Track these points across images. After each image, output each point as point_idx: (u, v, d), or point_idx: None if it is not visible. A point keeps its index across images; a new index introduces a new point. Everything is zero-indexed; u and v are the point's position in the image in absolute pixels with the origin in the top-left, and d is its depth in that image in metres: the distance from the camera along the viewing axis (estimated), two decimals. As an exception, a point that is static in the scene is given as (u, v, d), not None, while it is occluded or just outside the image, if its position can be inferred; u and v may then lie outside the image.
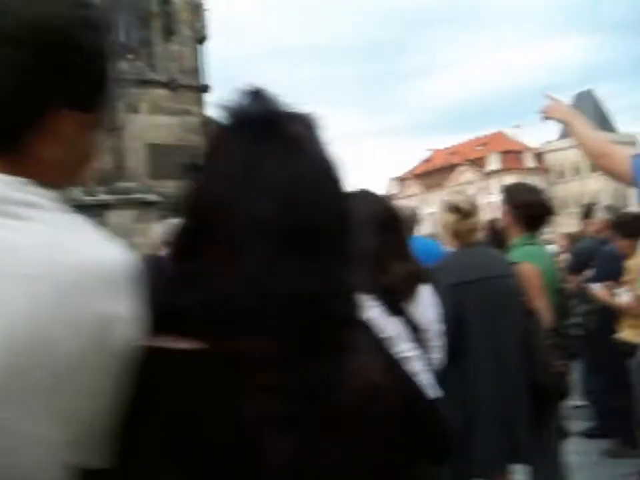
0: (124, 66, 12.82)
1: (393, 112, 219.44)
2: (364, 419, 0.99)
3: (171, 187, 17.09)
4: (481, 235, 3.79)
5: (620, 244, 5.38)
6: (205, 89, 18.67)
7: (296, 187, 0.98)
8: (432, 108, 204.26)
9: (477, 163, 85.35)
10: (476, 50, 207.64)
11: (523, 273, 3.74)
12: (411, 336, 2.64)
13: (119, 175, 15.89)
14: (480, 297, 3.44)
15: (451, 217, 3.58)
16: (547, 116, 3.00)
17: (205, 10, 18.91)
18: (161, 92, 17.91)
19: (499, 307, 3.47)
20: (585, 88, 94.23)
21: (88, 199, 14.73)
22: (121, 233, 13.19)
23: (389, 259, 2.60)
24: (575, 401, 7.85)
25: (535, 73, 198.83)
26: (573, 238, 9.88)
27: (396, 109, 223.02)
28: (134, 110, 17.38)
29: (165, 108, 17.91)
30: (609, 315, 5.39)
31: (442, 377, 3.41)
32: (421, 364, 2.67)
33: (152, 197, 15.66)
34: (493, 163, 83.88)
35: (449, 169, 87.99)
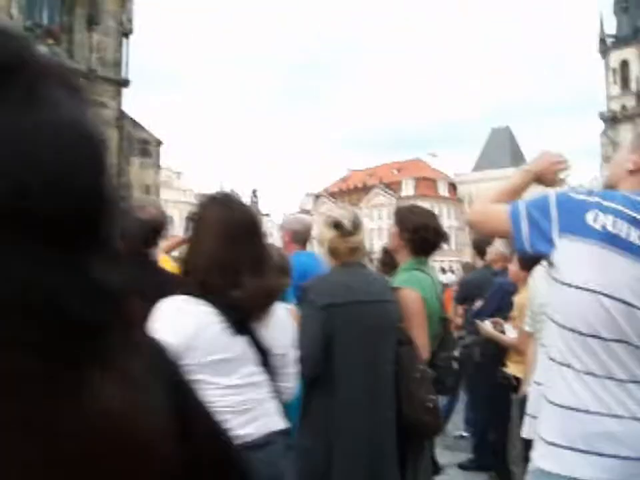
0: (42, 49, 12.46)
1: (322, 128, 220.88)
2: None
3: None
4: (363, 256, 3.60)
5: (513, 276, 5.34)
6: (124, 83, 18.24)
7: (33, 158, 0.69)
8: (359, 129, 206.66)
9: (392, 187, 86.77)
10: (405, 77, 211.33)
11: (403, 299, 3.59)
12: (258, 359, 2.48)
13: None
14: (350, 321, 3.25)
15: (330, 233, 3.39)
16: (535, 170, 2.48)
17: (131, 3, 18.49)
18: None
19: (371, 333, 3.29)
20: (501, 124, 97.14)
21: None
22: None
23: (239, 271, 2.41)
24: (460, 431, 7.90)
25: (457, 104, 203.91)
26: (466, 268, 9.93)
27: (325, 125, 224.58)
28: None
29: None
30: (495, 348, 5.38)
31: (304, 403, 3.28)
32: (266, 391, 2.53)
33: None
34: (407, 188, 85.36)
35: (364, 189, 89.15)
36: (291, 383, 2.74)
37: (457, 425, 7.85)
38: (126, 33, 18.34)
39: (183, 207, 59.80)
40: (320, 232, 3.50)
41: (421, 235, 3.82)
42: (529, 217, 2.14)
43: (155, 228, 3.81)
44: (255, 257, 2.49)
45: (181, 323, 2.34)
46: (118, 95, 18.37)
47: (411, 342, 3.48)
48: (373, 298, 3.37)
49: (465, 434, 7.70)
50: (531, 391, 3.37)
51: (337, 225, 3.39)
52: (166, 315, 2.38)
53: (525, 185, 2.46)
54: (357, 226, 3.43)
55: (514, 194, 2.38)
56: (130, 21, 18.29)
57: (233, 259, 2.43)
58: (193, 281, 2.46)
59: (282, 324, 2.64)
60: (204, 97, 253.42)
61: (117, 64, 18.25)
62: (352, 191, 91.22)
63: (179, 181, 63.39)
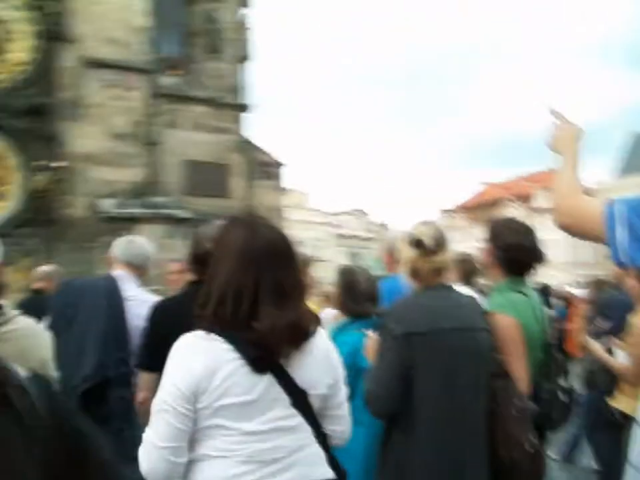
0: (167, 80, 12.72)
1: (449, 143, 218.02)
2: None
3: (204, 204, 16.95)
4: (449, 277, 3.24)
5: (632, 291, 4.75)
6: (245, 107, 18.57)
7: None
8: (489, 141, 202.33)
9: (525, 199, 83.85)
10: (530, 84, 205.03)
11: (497, 325, 3.20)
12: (290, 401, 2.20)
13: (154, 189, 15.74)
14: (433, 352, 2.91)
15: (411, 252, 3.09)
16: (554, 148, 2.27)
17: (249, 29, 18.84)
18: (201, 109, 17.82)
19: (458, 365, 2.93)
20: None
21: (119, 211, 14.63)
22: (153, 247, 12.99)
23: (258, 301, 2.16)
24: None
25: (588, 109, 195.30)
26: (597, 284, 9.18)
27: (451, 141, 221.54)
28: (173, 125, 17.34)
29: (204, 125, 17.81)
30: (610, 377, 4.80)
31: (381, 446, 2.96)
32: (304, 436, 2.24)
33: (183, 213, 15.45)
34: (541, 200, 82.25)
35: (496, 203, 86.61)
36: (341, 425, 2.43)
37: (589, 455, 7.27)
38: (245, 59, 18.70)
39: (313, 227, 60.36)
40: (400, 252, 3.20)
41: (512, 254, 3.43)
42: (629, 224, 1.77)
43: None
44: (278, 285, 2.20)
45: (192, 363, 2.12)
46: (240, 120, 18.68)
47: (506, 375, 3.10)
48: (460, 325, 3.02)
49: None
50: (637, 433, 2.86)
51: (417, 244, 3.09)
52: (176, 355, 2.18)
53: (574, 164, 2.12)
54: (440, 243, 3.11)
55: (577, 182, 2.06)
56: (249, 47, 18.65)
57: (252, 285, 2.17)
58: (208, 312, 2.23)
59: (323, 359, 2.34)
60: (325, 117, 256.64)
61: (238, 90, 18.58)
62: (485, 205, 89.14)
63: (308, 201, 64.14)
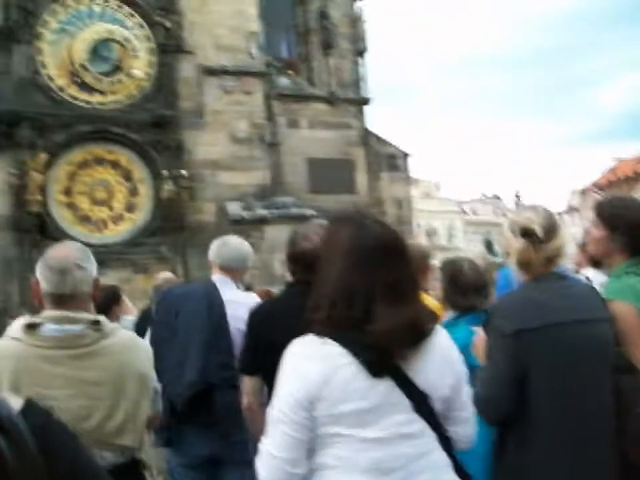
0: (283, 82, 12.86)
1: (578, 120, 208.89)
2: None
3: (329, 201, 17.01)
4: (563, 264, 2.85)
5: None
6: (364, 101, 18.50)
7: None
8: (619, 114, 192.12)
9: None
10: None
11: (617, 314, 2.80)
12: (411, 405, 2.05)
13: (278, 190, 15.99)
14: (548, 349, 2.59)
15: (518, 243, 2.75)
16: None
17: (363, 22, 18.76)
18: (320, 106, 17.93)
19: (577, 361, 2.61)
20: None
21: (246, 213, 14.94)
22: (278, 248, 13.19)
23: (373, 300, 2.02)
24: None
25: None
26: None
27: (580, 117, 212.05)
28: (294, 125, 17.54)
29: (324, 122, 17.90)
30: None
31: (494, 455, 2.71)
32: (426, 442, 2.08)
33: (309, 212, 15.56)
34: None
35: (635, 179, 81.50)
36: (466, 427, 2.25)
37: None
38: (361, 53, 18.63)
39: (445, 216, 59.44)
40: (505, 241, 2.89)
41: (636, 233, 3.01)
42: None
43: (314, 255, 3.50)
44: (392, 283, 2.06)
45: (307, 369, 2.02)
46: (360, 114, 18.64)
47: (633, 369, 2.74)
48: (577, 317, 2.69)
49: None
50: None
51: (525, 233, 2.76)
52: (290, 361, 2.09)
53: None
54: (551, 230, 2.76)
55: None
56: (363, 40, 18.56)
57: (364, 285, 2.04)
58: (320, 316, 2.12)
59: (443, 358, 2.17)
60: (450, 103, 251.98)
61: (356, 84, 18.55)
62: (621, 182, 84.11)
63: (438, 190, 63.21)
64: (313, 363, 2.03)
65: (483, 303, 3.61)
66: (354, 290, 2.05)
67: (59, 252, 2.74)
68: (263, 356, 3.14)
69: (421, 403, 2.07)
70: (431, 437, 2.10)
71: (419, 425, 2.07)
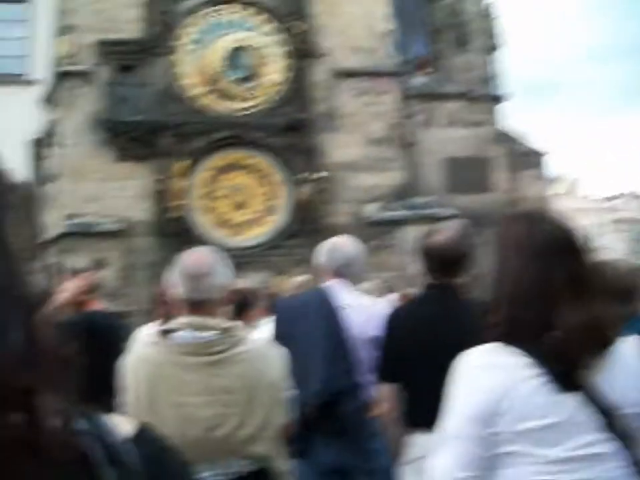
0: (418, 80, 12.68)
1: None
2: None
3: (466, 201, 16.56)
4: None
5: None
6: (499, 98, 17.93)
7: None
8: None
9: None
10: None
11: None
12: (599, 422, 1.79)
13: (415, 190, 15.71)
14: None
15: None
16: None
17: (497, 17, 18.23)
18: (455, 104, 17.52)
19: None
20: None
21: (383, 214, 14.76)
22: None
23: (556, 301, 1.80)
24: None
25: None
26: None
27: None
28: (429, 124, 17.24)
29: (460, 120, 17.49)
30: None
31: None
32: (616, 465, 1.78)
33: (447, 212, 15.18)
34: None
35: None
36: None
37: None
38: (496, 48, 18.11)
39: (587, 214, 57.06)
40: None
41: None
42: None
43: (452, 256, 3.28)
44: (572, 281, 1.84)
45: (484, 381, 1.82)
46: (495, 111, 18.10)
47: None
48: None
49: None
50: None
51: None
52: (465, 372, 1.86)
53: None
54: None
55: None
56: (499, 35, 18.03)
57: (542, 283, 1.83)
58: (498, 321, 1.88)
59: (634, 368, 1.90)
60: (587, 97, 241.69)
61: (490, 81, 18.03)
62: None
63: (578, 188, 60.81)
64: (491, 375, 1.84)
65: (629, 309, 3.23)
66: (532, 291, 1.86)
67: (193, 257, 2.74)
68: (401, 362, 3.10)
69: (612, 420, 1.80)
70: (623, 460, 1.80)
71: (611, 445, 1.79)
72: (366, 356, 3.79)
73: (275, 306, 5.01)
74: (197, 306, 2.63)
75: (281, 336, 4.01)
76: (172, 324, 2.66)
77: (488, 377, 1.82)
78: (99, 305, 4.41)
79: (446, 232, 3.19)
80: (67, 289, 4.19)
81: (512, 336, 1.83)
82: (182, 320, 2.65)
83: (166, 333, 2.63)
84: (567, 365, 1.78)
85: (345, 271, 4.10)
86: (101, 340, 4.02)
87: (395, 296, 8.53)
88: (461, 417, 1.83)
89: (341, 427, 3.78)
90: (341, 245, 4.23)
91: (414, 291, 7.94)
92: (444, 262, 3.10)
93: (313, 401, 3.75)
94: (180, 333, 2.61)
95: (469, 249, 3.40)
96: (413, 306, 3.51)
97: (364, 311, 3.79)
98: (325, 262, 4.17)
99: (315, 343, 3.86)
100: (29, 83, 16.03)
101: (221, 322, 2.65)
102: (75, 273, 4.41)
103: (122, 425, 0.93)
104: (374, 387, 3.73)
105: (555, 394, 1.75)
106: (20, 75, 16.31)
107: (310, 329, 3.92)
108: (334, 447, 3.81)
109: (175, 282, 2.69)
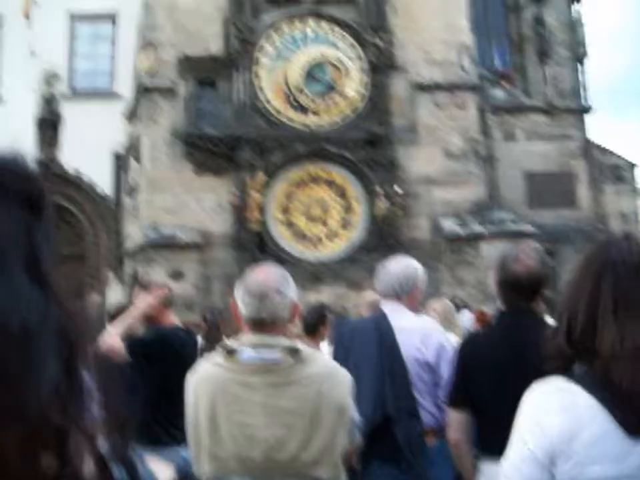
0: (497, 94, 12.45)
1: None
2: None
3: (548, 216, 16.14)
4: None
5: None
6: (585, 110, 17.42)
7: None
8: None
9: None
10: None
11: None
12: None
13: (494, 205, 15.41)
14: None
15: None
16: None
17: (582, 26, 17.75)
18: (537, 117, 17.14)
19: None
20: None
21: (461, 229, 14.51)
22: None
23: (631, 331, 1.63)
24: None
25: None
26: None
27: None
28: (510, 138, 16.91)
29: (542, 134, 17.09)
30: None
31: None
32: None
33: (527, 228, 14.83)
34: None
35: None
36: None
37: None
38: (580, 59, 17.63)
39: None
40: None
41: None
42: None
43: (530, 283, 3.12)
44: None
45: (546, 420, 1.65)
46: (581, 123, 17.60)
47: None
48: None
49: None
50: None
51: None
52: (528, 407, 1.71)
53: None
54: None
55: None
56: (583, 45, 17.54)
57: (610, 307, 1.68)
58: (564, 352, 1.72)
59: None
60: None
61: (576, 92, 17.56)
62: None
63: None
64: (554, 413, 1.67)
65: None
66: (604, 315, 1.68)
67: (258, 276, 2.68)
68: (472, 389, 3.01)
69: None
70: None
71: None
72: (423, 380, 3.71)
73: (334, 329, 4.94)
74: (262, 325, 2.58)
75: (338, 359, 3.95)
76: (237, 342, 2.61)
77: (551, 416, 1.64)
78: (171, 319, 4.38)
79: (523, 258, 3.04)
80: (140, 304, 4.17)
81: (577, 371, 1.67)
82: (247, 339, 2.60)
83: (231, 351, 2.58)
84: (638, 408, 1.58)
85: (402, 293, 3.99)
86: (172, 356, 4.00)
87: (470, 314, 8.33)
88: (519, 454, 1.69)
89: (397, 453, 3.66)
90: (399, 266, 4.10)
91: (491, 309, 7.72)
92: (521, 288, 2.96)
93: (365, 427, 3.68)
94: (245, 352, 2.56)
95: (547, 274, 3.26)
96: (486, 332, 3.37)
97: (420, 334, 3.69)
98: (383, 284, 4.06)
99: (366, 367, 3.77)
100: (115, 97, 16.46)
101: (285, 341, 2.59)
102: (148, 287, 4.38)
103: (161, 472, 0.86)
104: (438, 412, 3.63)
105: (626, 439, 1.58)
106: (107, 90, 16.76)
107: (364, 353, 3.84)
108: (389, 471, 3.70)
109: (239, 300, 2.65)
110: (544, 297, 3.24)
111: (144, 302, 4.18)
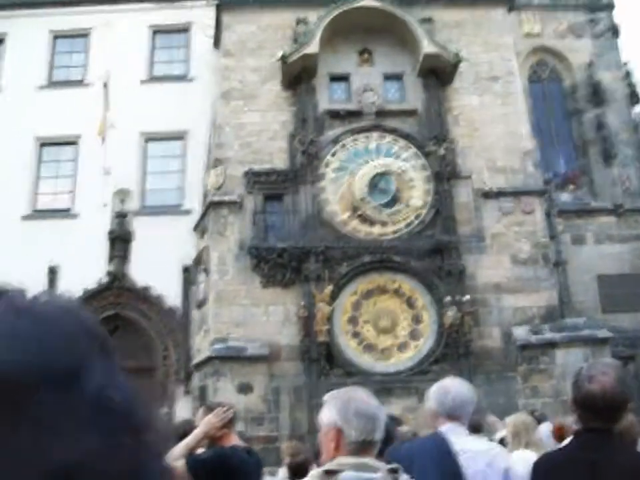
0: (563, 197, 12.36)
1: None
2: None
3: (622, 320, 15.64)
4: None
5: None
6: (655, 210, 17.15)
7: None
8: None
9: None
10: None
11: None
12: None
13: (567, 311, 15.00)
14: None
15: None
16: None
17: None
18: (606, 219, 16.89)
19: None
20: None
21: (534, 337, 14.13)
22: (571, 374, 12.08)
23: None
24: None
25: None
26: None
27: None
28: (579, 241, 16.64)
29: (612, 235, 16.79)
30: None
31: None
32: None
33: (603, 333, 14.34)
34: None
35: None
36: None
37: None
38: (644, 158, 17.51)
39: None
40: None
41: None
42: None
43: (610, 404, 2.97)
44: None
45: None
46: (654, 224, 17.29)
47: None
48: None
49: None
50: None
51: None
52: None
53: None
54: None
55: None
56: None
57: None
58: None
59: None
60: None
61: (641, 192, 17.35)
62: None
63: None
64: None
65: None
66: None
67: (363, 397, 2.64)
68: None
69: None
70: None
71: None
72: None
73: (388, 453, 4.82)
74: (366, 447, 2.53)
75: None
76: (336, 464, 2.52)
77: None
78: (233, 439, 4.37)
79: (598, 376, 2.90)
80: (202, 425, 4.20)
81: None
82: (347, 460, 2.52)
83: (331, 473, 2.49)
84: None
85: (459, 414, 3.89)
86: (230, 474, 3.98)
87: (549, 426, 7.94)
88: None
89: None
90: (452, 387, 4.00)
91: (570, 420, 7.35)
92: (597, 409, 2.82)
93: None
94: (345, 474, 2.47)
95: (625, 393, 3.10)
96: (560, 453, 3.20)
97: (483, 456, 3.57)
98: (437, 405, 3.96)
99: None
100: (184, 212, 16.88)
101: (381, 463, 2.54)
102: (211, 408, 4.42)
103: None
104: None
105: None
106: (177, 206, 17.22)
107: (420, 477, 3.72)
108: None
109: (342, 422, 2.59)
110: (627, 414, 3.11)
111: (208, 424, 4.22)
